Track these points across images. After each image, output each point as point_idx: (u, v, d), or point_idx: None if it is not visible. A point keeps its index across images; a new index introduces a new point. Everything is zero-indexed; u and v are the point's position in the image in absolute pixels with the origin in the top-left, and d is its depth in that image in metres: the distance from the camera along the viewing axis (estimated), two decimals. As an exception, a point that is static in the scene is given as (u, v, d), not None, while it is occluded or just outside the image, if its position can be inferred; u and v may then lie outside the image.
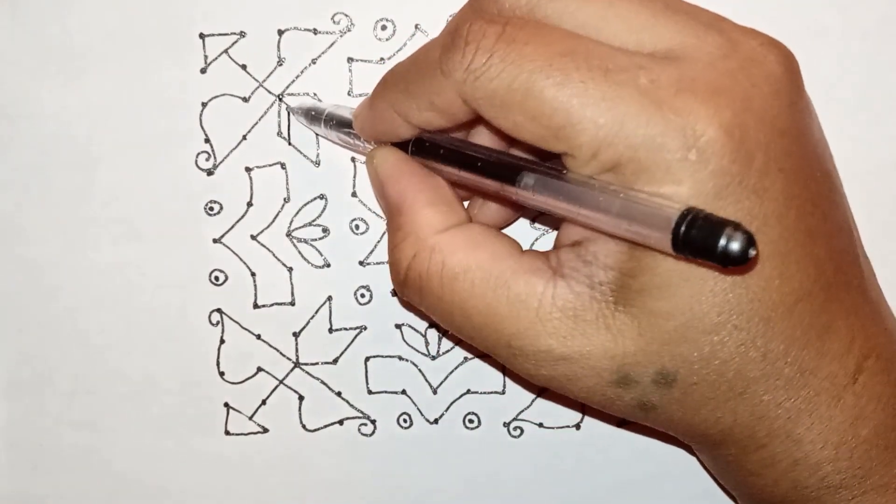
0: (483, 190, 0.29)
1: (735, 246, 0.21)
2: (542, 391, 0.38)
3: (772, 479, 0.28)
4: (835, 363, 0.26)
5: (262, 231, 0.38)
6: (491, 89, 0.25)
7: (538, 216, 0.38)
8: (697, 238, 0.21)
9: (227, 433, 0.39)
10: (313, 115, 0.36)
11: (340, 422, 0.39)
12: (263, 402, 0.39)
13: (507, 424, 0.39)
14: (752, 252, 0.21)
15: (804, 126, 0.26)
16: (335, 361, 0.39)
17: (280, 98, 0.37)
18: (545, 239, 0.38)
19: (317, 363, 0.39)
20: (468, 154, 0.28)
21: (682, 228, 0.22)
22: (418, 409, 0.39)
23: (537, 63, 0.24)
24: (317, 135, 0.37)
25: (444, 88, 0.26)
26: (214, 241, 0.38)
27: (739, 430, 0.27)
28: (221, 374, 0.39)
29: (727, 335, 0.25)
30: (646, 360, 0.26)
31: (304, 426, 0.39)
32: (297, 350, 0.38)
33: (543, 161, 0.28)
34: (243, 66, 0.37)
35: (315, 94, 0.37)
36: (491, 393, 0.38)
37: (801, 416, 0.26)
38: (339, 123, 0.34)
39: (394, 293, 0.38)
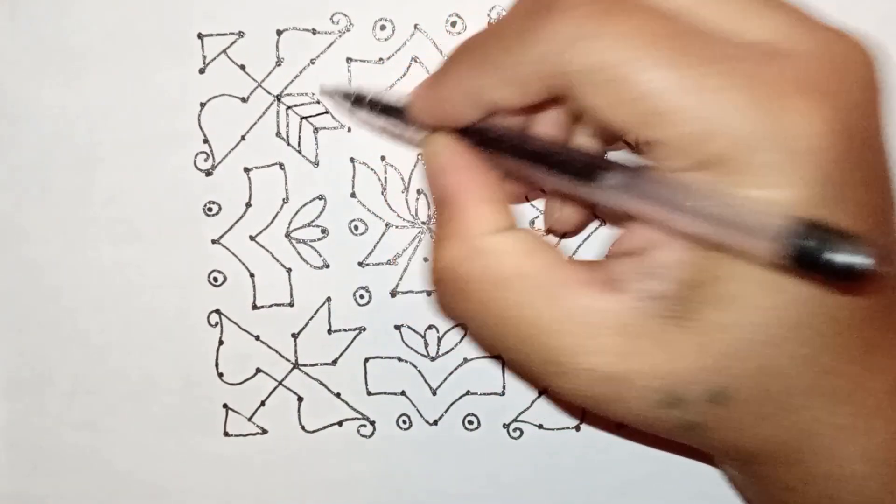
0: (551, 188, 0.27)
1: (858, 261, 0.19)
2: (541, 392, 0.38)
3: (810, 496, 0.27)
4: (879, 378, 0.25)
5: (260, 232, 0.38)
6: (585, 63, 0.23)
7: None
8: (813, 251, 0.20)
9: (226, 434, 0.39)
10: (355, 100, 0.34)
11: (339, 423, 0.39)
12: (262, 404, 0.39)
13: (506, 426, 0.38)
14: (873, 269, 0.19)
15: (886, 134, 0.25)
16: (334, 362, 0.38)
17: (279, 98, 0.37)
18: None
19: (316, 364, 0.38)
20: (543, 148, 0.26)
21: (796, 239, 0.20)
22: (417, 410, 0.38)
23: (639, 41, 0.22)
24: (348, 121, 0.36)
25: (531, 58, 0.24)
26: (213, 241, 0.38)
27: (783, 446, 0.26)
28: (220, 375, 0.39)
29: (792, 349, 0.24)
30: (699, 378, 0.24)
31: (303, 427, 0.39)
32: (296, 351, 0.38)
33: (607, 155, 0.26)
34: (242, 67, 0.37)
35: (313, 94, 0.37)
36: (490, 394, 0.38)
37: (844, 431, 0.25)
38: (385, 109, 0.32)
39: (392, 294, 0.38)
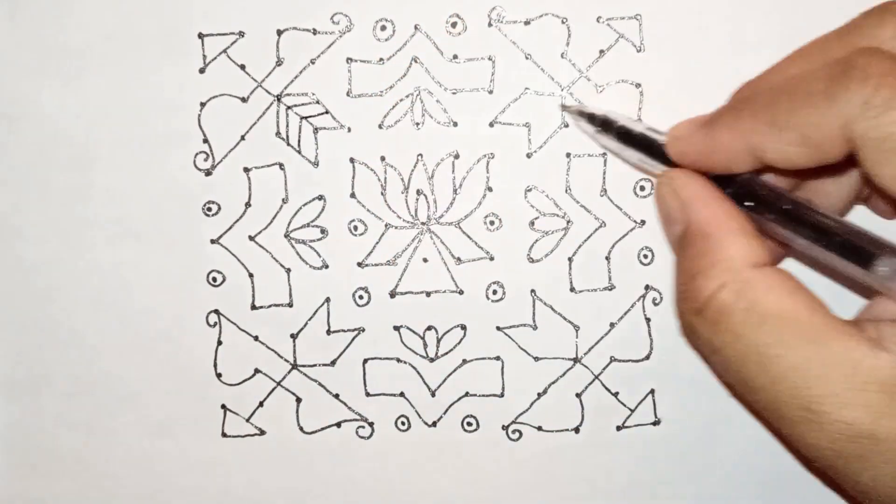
0: (819, 262, 0.27)
1: None
2: (541, 393, 0.38)
3: None
4: None
5: (260, 232, 0.38)
6: (888, 132, 0.22)
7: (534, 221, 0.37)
8: None
9: (224, 435, 0.39)
10: (602, 124, 0.34)
11: (338, 424, 0.39)
12: (261, 404, 0.39)
13: (505, 427, 0.38)
14: None
15: None
16: (333, 363, 0.38)
17: (279, 98, 0.37)
18: (544, 241, 0.37)
19: (314, 365, 0.38)
20: (820, 220, 0.26)
21: None
22: (416, 411, 0.38)
23: None
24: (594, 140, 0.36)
25: (829, 121, 0.24)
26: (212, 241, 0.38)
27: None
28: (219, 375, 0.38)
29: None
30: None
31: (301, 428, 0.39)
32: (294, 351, 0.38)
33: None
34: (242, 67, 0.37)
35: (314, 94, 0.37)
36: (490, 396, 0.38)
37: None
38: (636, 141, 0.32)
39: (392, 295, 0.38)
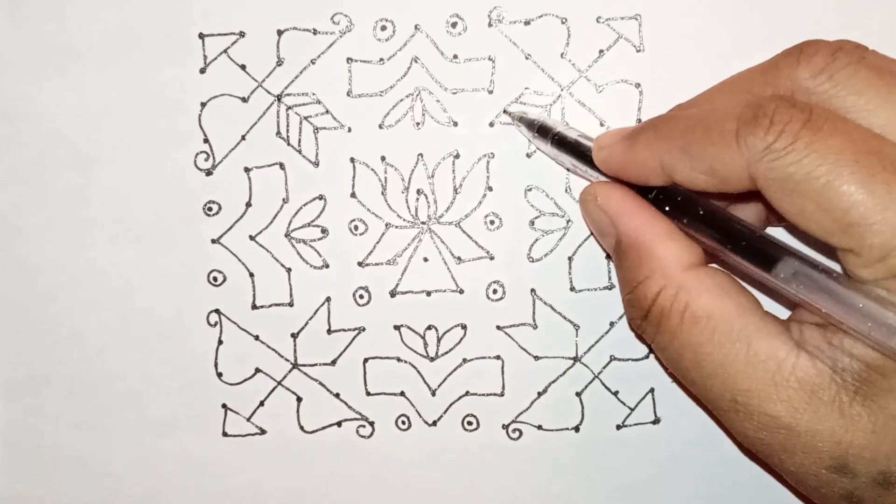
0: (729, 263, 0.28)
1: None
2: (541, 392, 0.38)
3: None
4: None
5: (260, 231, 0.38)
6: (788, 172, 0.24)
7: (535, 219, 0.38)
8: None
9: (225, 434, 0.39)
10: (539, 129, 0.35)
11: (339, 423, 0.39)
12: (261, 404, 0.39)
13: (506, 426, 0.38)
14: None
15: None
16: (333, 363, 0.38)
17: (279, 98, 0.37)
18: (544, 240, 0.37)
19: (315, 364, 0.38)
20: (730, 225, 0.28)
21: None
22: (417, 410, 0.38)
23: (842, 157, 0.24)
24: (530, 143, 0.37)
25: (734, 160, 0.26)
26: (213, 241, 0.38)
27: None
28: (219, 375, 0.39)
29: None
30: (871, 457, 0.26)
31: (302, 428, 0.39)
32: (295, 351, 0.38)
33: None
34: (242, 66, 0.37)
35: (314, 94, 0.37)
36: (490, 395, 0.38)
37: None
38: (568, 146, 0.34)
39: (392, 294, 0.38)
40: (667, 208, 0.29)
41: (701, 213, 0.28)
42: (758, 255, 0.27)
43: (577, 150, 0.33)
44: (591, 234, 0.35)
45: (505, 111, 0.37)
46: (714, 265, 0.29)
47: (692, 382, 0.29)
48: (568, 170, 0.37)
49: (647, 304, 0.29)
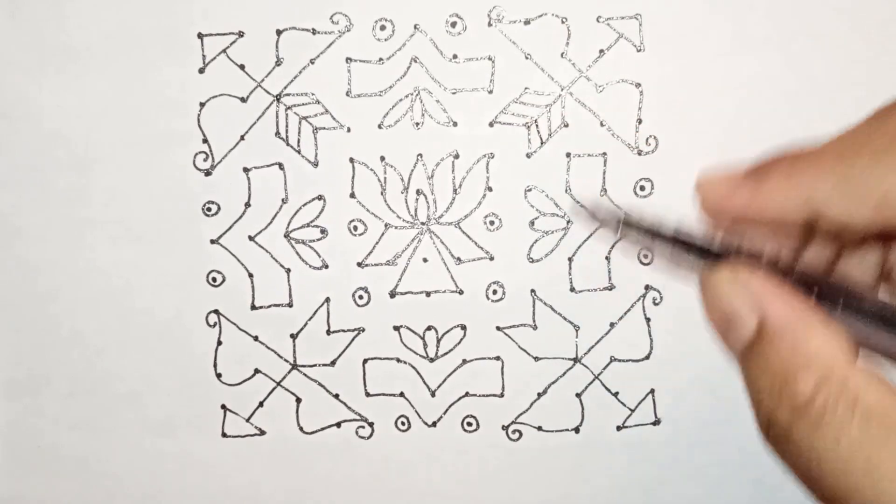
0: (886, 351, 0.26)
1: None
2: (541, 393, 0.38)
3: None
4: None
5: (260, 232, 0.38)
6: None
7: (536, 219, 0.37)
8: None
9: (225, 435, 0.39)
10: (623, 222, 0.32)
11: (338, 424, 0.39)
12: (261, 404, 0.39)
13: (505, 427, 0.38)
14: None
15: None
16: (333, 363, 0.38)
17: (278, 98, 0.37)
18: (544, 241, 0.37)
19: (314, 365, 0.38)
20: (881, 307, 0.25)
21: None
22: (416, 411, 0.38)
23: None
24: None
25: (879, 176, 0.23)
26: (212, 241, 0.38)
27: None
28: (219, 375, 0.38)
29: None
30: None
31: (301, 428, 0.39)
32: (294, 352, 0.38)
33: None
34: (242, 67, 0.37)
35: (313, 94, 0.37)
36: (490, 396, 0.38)
37: None
38: (655, 233, 0.31)
39: (391, 295, 0.38)
40: (814, 295, 0.26)
41: (874, 309, 0.25)
42: None
43: (666, 237, 0.30)
44: (711, 327, 0.32)
45: (583, 207, 0.35)
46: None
47: (857, 490, 0.26)
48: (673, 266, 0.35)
49: (802, 398, 0.25)
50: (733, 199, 0.28)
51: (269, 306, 0.38)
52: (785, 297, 0.26)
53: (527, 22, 0.37)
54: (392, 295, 0.38)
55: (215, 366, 0.38)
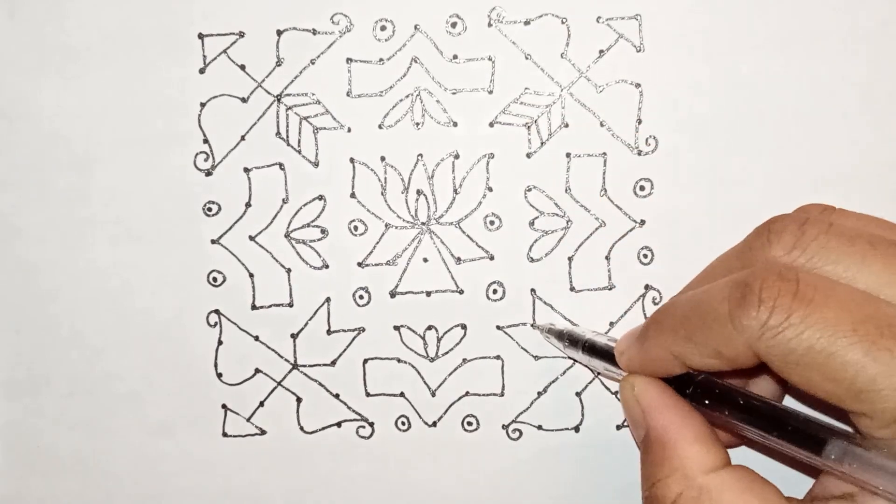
0: (763, 443, 0.29)
1: None
2: (541, 392, 0.38)
3: None
4: None
5: (260, 232, 0.38)
6: (789, 348, 0.25)
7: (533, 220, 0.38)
8: None
9: (225, 435, 0.39)
10: (570, 340, 0.36)
11: (338, 424, 0.39)
12: (261, 404, 0.39)
13: (505, 427, 0.38)
14: None
15: None
16: (333, 363, 0.38)
17: (279, 99, 0.37)
18: (544, 240, 0.37)
19: (315, 365, 0.38)
20: (774, 412, 0.28)
21: None
22: (416, 411, 0.38)
23: (840, 328, 0.24)
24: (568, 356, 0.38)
25: (735, 341, 0.26)
26: (213, 241, 0.38)
27: None
28: (219, 375, 0.39)
29: None
30: None
31: (301, 428, 0.39)
32: (295, 351, 0.38)
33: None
34: (242, 67, 0.37)
35: (314, 94, 0.37)
36: (490, 395, 0.38)
37: None
38: (600, 353, 0.34)
39: (392, 295, 0.38)
40: (706, 402, 0.30)
41: (741, 402, 0.29)
42: (806, 438, 0.26)
43: (608, 356, 0.34)
44: (626, 423, 0.35)
45: (532, 326, 0.38)
46: (739, 465, 0.30)
47: None
48: (600, 374, 0.38)
49: (668, 502, 0.29)
50: (632, 361, 0.32)
51: (270, 306, 0.38)
52: (668, 411, 0.30)
53: (527, 22, 0.37)
54: (392, 295, 0.38)
55: (216, 365, 0.38)
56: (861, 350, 0.24)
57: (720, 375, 0.30)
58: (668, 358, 0.29)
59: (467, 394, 0.38)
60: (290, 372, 0.38)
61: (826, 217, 0.28)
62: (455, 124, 0.37)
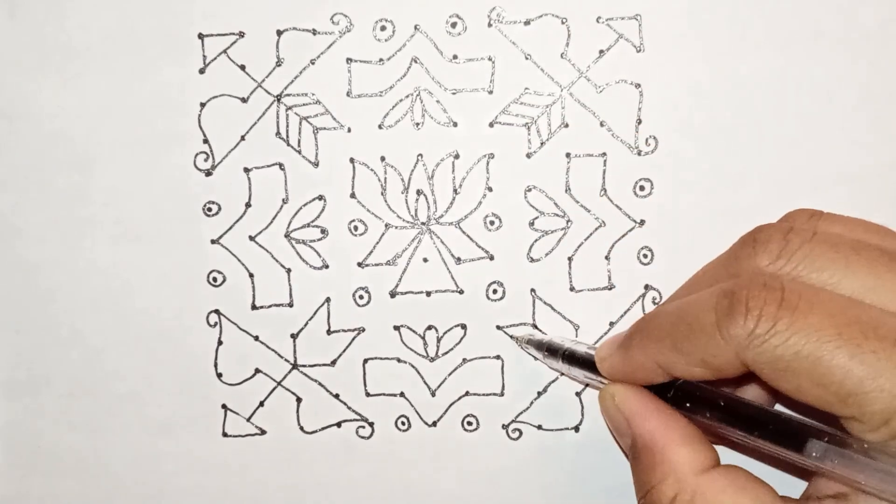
0: (753, 448, 0.29)
1: None
2: (541, 392, 0.38)
3: None
4: None
5: (260, 232, 0.38)
6: (776, 355, 0.25)
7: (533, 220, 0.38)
8: None
9: (225, 435, 0.39)
10: (549, 350, 0.36)
11: (338, 424, 0.39)
12: (261, 404, 0.39)
13: (505, 426, 0.38)
14: None
15: None
16: (333, 363, 0.38)
17: (279, 99, 0.37)
18: (543, 240, 0.37)
19: (315, 365, 0.38)
20: (754, 413, 0.28)
21: None
22: (416, 411, 0.38)
23: (825, 332, 0.24)
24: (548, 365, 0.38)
25: (722, 350, 0.26)
26: (212, 241, 0.38)
27: None
28: (219, 375, 0.39)
29: None
30: None
31: (301, 428, 0.39)
32: (294, 351, 0.38)
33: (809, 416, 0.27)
34: (242, 67, 0.37)
35: (314, 94, 0.37)
36: (490, 395, 0.38)
37: None
38: (580, 362, 0.34)
39: (392, 295, 0.38)
40: (687, 405, 0.30)
41: (722, 404, 0.29)
42: (787, 437, 0.27)
43: (588, 364, 0.33)
44: (610, 432, 0.35)
45: (511, 336, 0.38)
46: (731, 464, 0.30)
47: None
48: (587, 385, 0.38)
49: None
50: (614, 369, 0.32)
51: (270, 306, 0.38)
52: (652, 416, 0.30)
53: (527, 22, 0.37)
54: (392, 295, 0.38)
55: (216, 365, 0.38)
56: (847, 353, 0.24)
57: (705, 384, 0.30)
58: (653, 367, 0.29)
59: (467, 394, 0.38)
60: (290, 372, 0.38)
61: (811, 224, 0.28)
62: (455, 124, 0.37)
